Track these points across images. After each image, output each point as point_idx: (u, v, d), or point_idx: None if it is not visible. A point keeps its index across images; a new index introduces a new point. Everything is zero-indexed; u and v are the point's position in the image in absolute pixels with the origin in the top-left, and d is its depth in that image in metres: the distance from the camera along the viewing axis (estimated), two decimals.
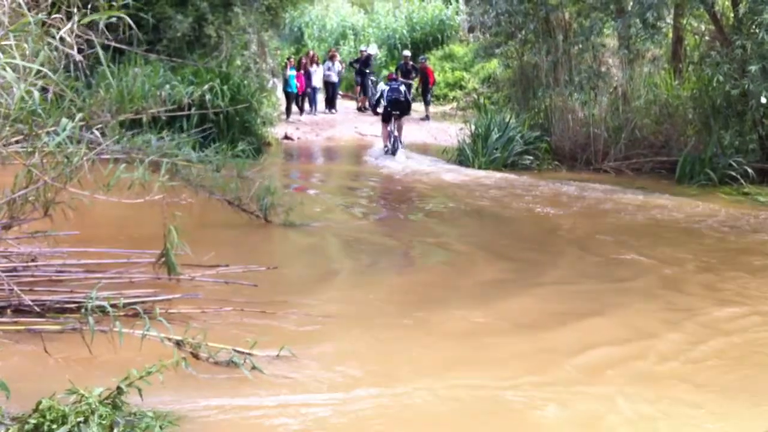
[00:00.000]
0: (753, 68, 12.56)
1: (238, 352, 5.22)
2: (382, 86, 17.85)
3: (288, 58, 22.93)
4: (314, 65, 22.90)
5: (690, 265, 8.43)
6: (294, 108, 22.33)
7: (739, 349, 6.06)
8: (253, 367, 5.08)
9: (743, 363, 5.79)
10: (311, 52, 24.73)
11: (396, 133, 16.77)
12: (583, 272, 8.22)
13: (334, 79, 23.70)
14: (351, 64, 25.21)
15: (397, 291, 7.54)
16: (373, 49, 25.84)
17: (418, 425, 4.65)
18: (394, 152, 16.54)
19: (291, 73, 21.67)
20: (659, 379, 5.38)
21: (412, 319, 6.56)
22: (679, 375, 5.49)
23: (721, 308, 6.97)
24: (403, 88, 17.13)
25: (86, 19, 5.67)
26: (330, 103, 23.90)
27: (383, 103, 16.77)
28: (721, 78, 13.23)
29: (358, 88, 24.73)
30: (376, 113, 18.94)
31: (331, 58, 24.09)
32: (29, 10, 5.39)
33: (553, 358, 5.72)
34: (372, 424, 4.61)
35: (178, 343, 5.17)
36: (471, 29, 25.37)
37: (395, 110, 16.64)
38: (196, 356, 5.16)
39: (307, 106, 23.20)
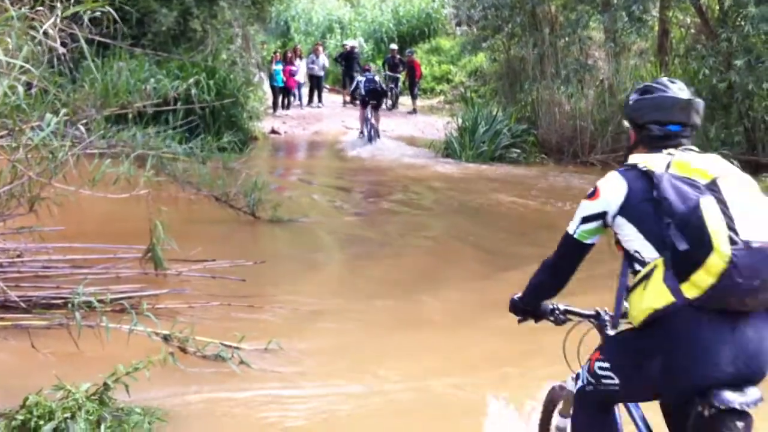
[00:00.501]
0: (739, 62, 12.60)
1: (226, 346, 5.22)
2: (358, 77, 19.35)
3: (274, 52, 22.86)
4: (297, 59, 22.81)
5: None
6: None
7: None
8: (241, 362, 5.08)
9: None
10: (297, 46, 24.62)
11: (372, 121, 17.80)
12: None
13: (319, 72, 23.58)
14: (336, 59, 25.06)
15: (384, 285, 7.54)
16: (352, 42, 25.73)
17: (405, 418, 4.66)
18: (370, 139, 17.55)
19: (277, 67, 21.61)
20: None
21: (399, 313, 6.58)
22: None
23: None
24: (378, 78, 18.95)
25: (69, 11, 5.63)
26: (316, 97, 23.82)
27: (361, 93, 18.13)
28: (707, 71, 13.28)
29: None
30: (353, 101, 20.21)
31: (315, 51, 23.96)
32: (12, 4, 5.34)
33: (537, 349, 5.76)
34: (359, 417, 4.61)
35: (166, 338, 5.15)
36: (459, 23, 25.36)
37: (372, 100, 17.93)
38: (183, 350, 5.15)
39: (297, 99, 23.08)
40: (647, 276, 2.58)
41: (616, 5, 14.78)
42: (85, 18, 5.78)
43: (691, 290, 2.48)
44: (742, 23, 12.88)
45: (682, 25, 16.35)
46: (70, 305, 5.04)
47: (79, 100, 7.04)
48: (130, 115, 7.95)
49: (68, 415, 3.80)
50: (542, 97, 16.18)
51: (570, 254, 2.85)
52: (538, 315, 3.08)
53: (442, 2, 28.56)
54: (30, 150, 5.50)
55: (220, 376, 4.97)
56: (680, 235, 2.49)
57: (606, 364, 2.77)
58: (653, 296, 2.55)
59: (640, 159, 2.73)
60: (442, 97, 24.81)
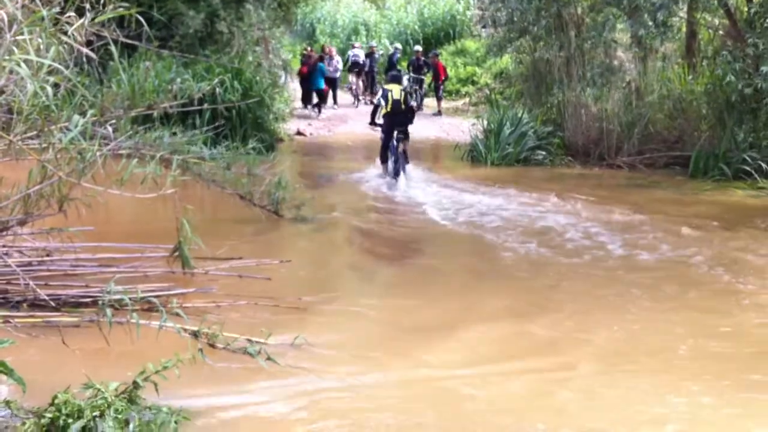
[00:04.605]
0: (765, 68, 12.44)
1: (253, 342, 5.25)
2: (349, 51, 25.22)
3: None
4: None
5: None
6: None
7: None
8: (268, 358, 5.10)
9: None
10: (309, 48, 24.53)
11: (354, 87, 24.22)
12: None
13: (333, 74, 23.41)
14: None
15: (411, 285, 7.54)
16: (396, 44, 25.86)
17: (432, 410, 4.65)
18: (356, 98, 24.29)
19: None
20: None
21: (425, 313, 6.58)
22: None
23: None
24: (360, 54, 24.50)
25: (99, 18, 5.69)
26: (333, 99, 23.75)
27: (349, 64, 24.19)
28: (733, 78, 13.12)
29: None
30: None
31: (328, 54, 23.82)
32: (42, 6, 5.39)
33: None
34: (385, 411, 4.61)
35: (195, 334, 5.19)
36: (484, 25, 25.32)
37: (354, 68, 24.20)
38: (212, 346, 5.19)
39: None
40: (383, 107, 13.09)
41: (642, 8, 14.62)
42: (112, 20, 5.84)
43: (389, 108, 12.96)
44: None
45: (711, 27, 16.18)
46: (100, 303, 5.08)
47: (107, 101, 7.09)
48: (156, 116, 7.99)
49: (97, 413, 3.82)
50: (568, 99, 16.05)
51: (375, 107, 14.38)
52: (377, 125, 13.99)
53: (467, 4, 28.52)
54: (59, 151, 5.54)
55: (247, 372, 5.00)
56: (385, 99, 13.00)
57: (380, 126, 13.58)
58: (384, 110, 13.07)
59: (387, 85, 13.38)
60: (467, 99, 24.76)
